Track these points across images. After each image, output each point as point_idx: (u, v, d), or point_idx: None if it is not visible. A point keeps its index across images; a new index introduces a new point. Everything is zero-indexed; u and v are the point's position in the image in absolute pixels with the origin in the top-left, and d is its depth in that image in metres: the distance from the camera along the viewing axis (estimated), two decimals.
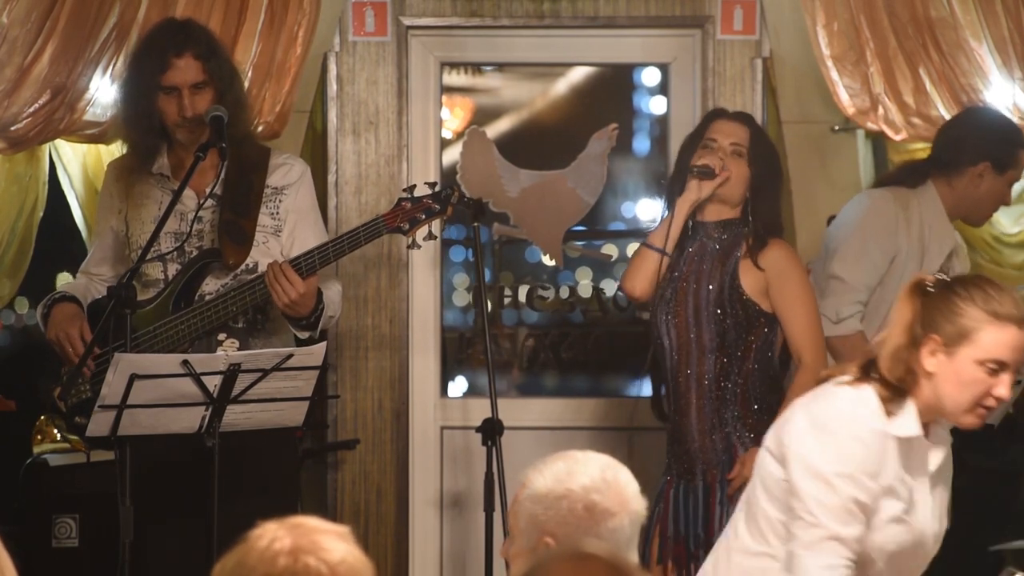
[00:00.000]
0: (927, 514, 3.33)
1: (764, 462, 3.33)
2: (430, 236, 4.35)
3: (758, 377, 4.42)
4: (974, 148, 4.90)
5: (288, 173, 4.49)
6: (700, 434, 4.41)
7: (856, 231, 4.85)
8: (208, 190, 4.43)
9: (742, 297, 4.41)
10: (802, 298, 4.45)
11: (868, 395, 3.25)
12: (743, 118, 4.60)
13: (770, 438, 3.34)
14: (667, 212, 4.55)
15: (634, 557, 2.78)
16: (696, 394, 4.42)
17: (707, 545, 4.34)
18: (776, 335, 4.46)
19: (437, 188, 4.37)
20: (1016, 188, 5.39)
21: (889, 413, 3.24)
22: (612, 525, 2.74)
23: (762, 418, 4.38)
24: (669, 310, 4.48)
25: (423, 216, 4.33)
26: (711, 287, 4.43)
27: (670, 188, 4.59)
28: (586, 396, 5.88)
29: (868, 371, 3.29)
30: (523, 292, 5.82)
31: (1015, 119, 5.23)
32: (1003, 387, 3.21)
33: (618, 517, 2.75)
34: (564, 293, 5.82)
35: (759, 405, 4.42)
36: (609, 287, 5.83)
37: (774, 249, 4.45)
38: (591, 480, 2.76)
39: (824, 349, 4.49)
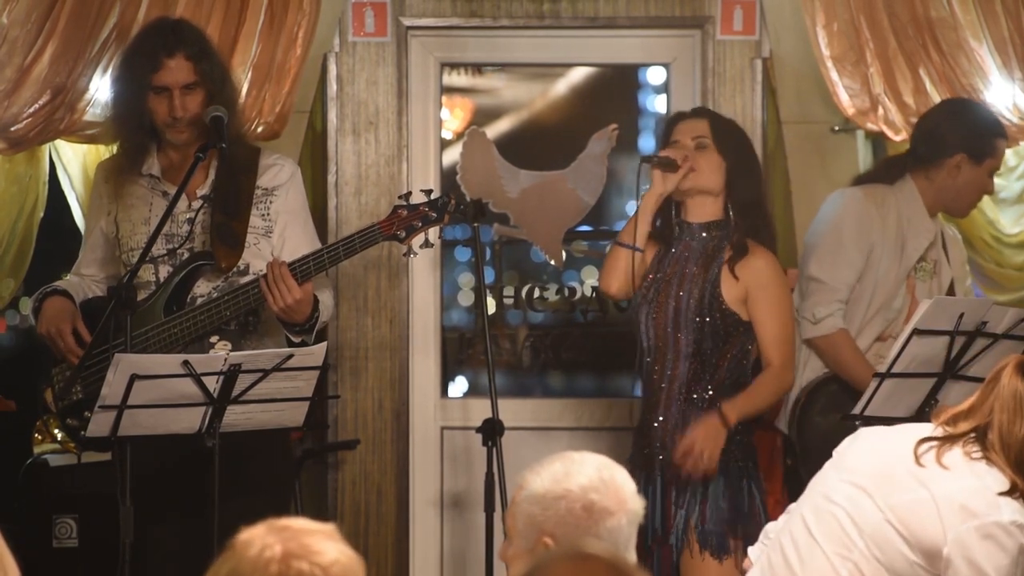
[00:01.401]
0: None
1: (890, 538, 3.27)
2: (427, 244, 4.34)
3: (728, 387, 4.45)
4: (949, 140, 4.89)
5: (278, 174, 4.49)
6: (663, 432, 4.44)
7: (830, 230, 4.86)
8: (199, 192, 4.42)
9: (721, 306, 4.43)
10: (778, 307, 4.48)
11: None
12: (700, 112, 4.64)
13: (894, 516, 3.26)
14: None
15: (632, 556, 2.78)
16: (666, 394, 4.45)
17: (663, 540, 4.37)
18: (752, 345, 4.47)
19: (433, 195, 4.36)
20: (1016, 188, 5.39)
21: None
22: (610, 524, 2.75)
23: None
24: (651, 310, 4.50)
25: (419, 224, 4.32)
26: (693, 293, 4.44)
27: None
28: (586, 396, 5.87)
29: (983, 441, 3.26)
30: (525, 292, 5.81)
31: (1015, 119, 5.23)
32: None
33: (616, 516, 2.76)
34: (567, 293, 5.82)
35: None
36: None
37: (753, 259, 4.46)
38: (589, 480, 2.77)
39: (793, 356, 4.51)
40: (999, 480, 3.22)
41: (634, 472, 4.47)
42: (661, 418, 4.45)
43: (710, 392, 4.42)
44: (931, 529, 3.22)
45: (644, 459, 4.49)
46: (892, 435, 3.41)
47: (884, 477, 3.30)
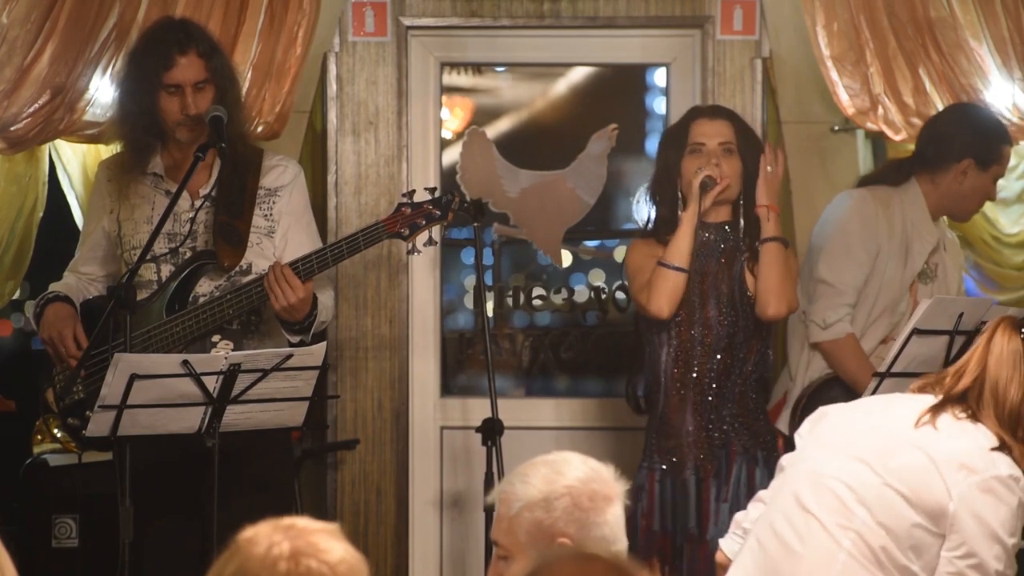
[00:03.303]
0: None
1: (892, 501, 3.26)
2: (430, 242, 4.35)
3: (755, 379, 4.50)
4: (958, 145, 4.89)
5: (282, 175, 4.49)
6: (696, 429, 4.45)
7: (838, 232, 4.86)
8: (202, 191, 4.42)
9: (750, 302, 4.45)
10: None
11: (1017, 469, 3.27)
12: (724, 114, 4.62)
13: (895, 478, 3.27)
14: (652, 209, 4.58)
15: (625, 541, 2.79)
16: (695, 391, 4.46)
17: (697, 540, 4.36)
18: (772, 338, 4.52)
19: (437, 194, 4.37)
20: (1016, 188, 5.39)
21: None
22: (614, 511, 2.76)
23: (757, 416, 4.51)
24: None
25: (423, 222, 4.32)
26: (722, 288, 4.47)
27: (654, 187, 4.59)
28: (586, 396, 5.87)
29: (978, 400, 3.29)
30: (525, 293, 5.81)
31: (1015, 119, 5.23)
32: None
33: (614, 503, 2.77)
34: (572, 295, 5.81)
35: (753, 405, 4.50)
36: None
37: None
38: (583, 472, 2.77)
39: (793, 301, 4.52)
40: (988, 436, 3.26)
41: (656, 472, 4.48)
42: (692, 416, 4.45)
43: (739, 385, 4.44)
44: (935, 489, 3.24)
45: (672, 460, 4.48)
46: (872, 405, 3.47)
47: (878, 445, 3.32)
